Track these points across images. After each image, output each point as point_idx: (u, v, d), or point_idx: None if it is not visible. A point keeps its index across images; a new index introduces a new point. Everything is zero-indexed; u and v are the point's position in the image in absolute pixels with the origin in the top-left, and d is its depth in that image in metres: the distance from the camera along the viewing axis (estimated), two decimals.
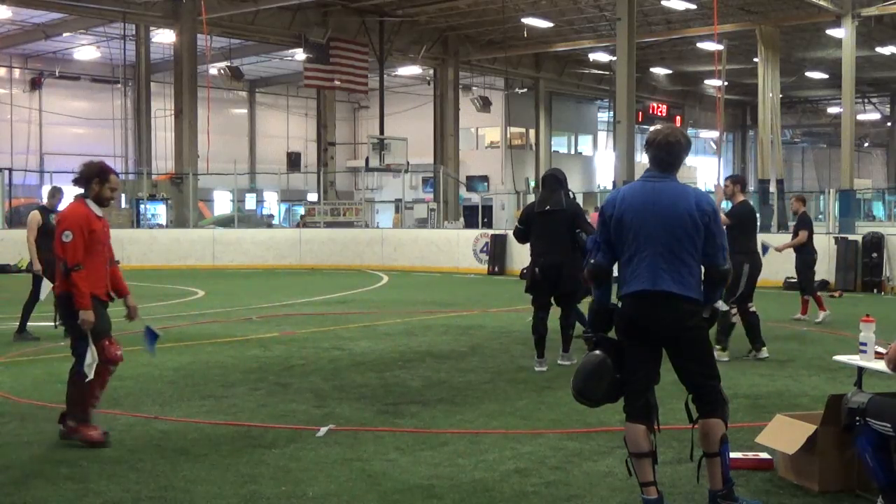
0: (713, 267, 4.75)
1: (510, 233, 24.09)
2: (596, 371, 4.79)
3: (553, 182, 9.24)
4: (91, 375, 6.22)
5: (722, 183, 10.59)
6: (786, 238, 14.96)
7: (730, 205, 10.21)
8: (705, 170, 52.18)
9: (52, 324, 12.06)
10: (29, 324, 11.21)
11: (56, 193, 11.68)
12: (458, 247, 23.96)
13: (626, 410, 4.77)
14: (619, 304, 4.79)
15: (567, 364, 9.22)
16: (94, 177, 6.46)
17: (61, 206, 11.42)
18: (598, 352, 4.83)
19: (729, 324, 9.64)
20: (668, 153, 4.76)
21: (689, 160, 53.22)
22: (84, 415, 6.22)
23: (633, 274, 4.67)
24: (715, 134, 51.06)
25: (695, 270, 4.69)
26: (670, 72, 42.57)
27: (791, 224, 16.65)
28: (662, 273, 4.61)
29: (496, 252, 23.09)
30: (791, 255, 19.21)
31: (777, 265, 19.04)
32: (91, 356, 6.25)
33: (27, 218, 11.57)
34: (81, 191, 6.56)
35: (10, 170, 28.39)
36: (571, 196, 9.34)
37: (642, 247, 4.65)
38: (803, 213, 13.55)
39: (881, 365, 5.05)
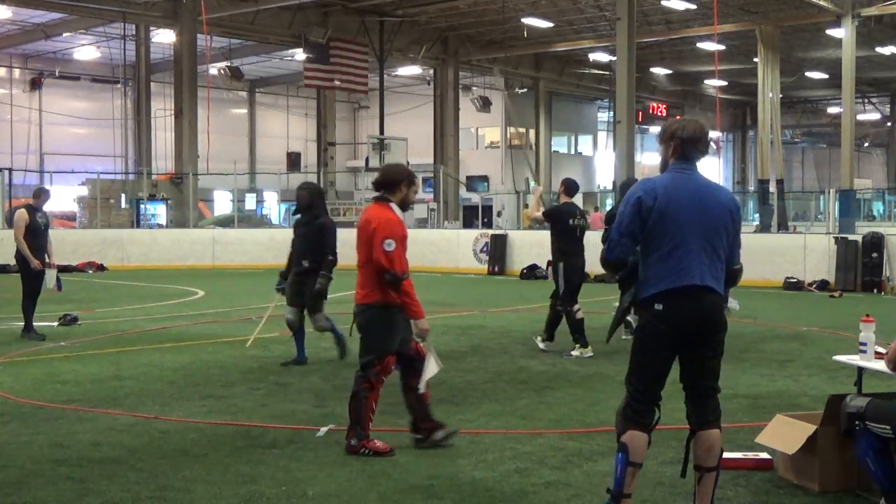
0: (732, 265, 4.66)
1: (510, 233, 24.14)
2: None
3: (627, 189, 9.98)
4: (425, 389, 6.06)
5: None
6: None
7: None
8: (705, 169, 52.10)
9: (53, 323, 12.08)
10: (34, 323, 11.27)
11: (41, 194, 11.71)
12: (458, 247, 23.96)
13: (635, 418, 4.51)
14: (656, 306, 4.45)
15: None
16: (404, 179, 6.14)
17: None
18: None
19: (577, 321, 10.14)
20: (701, 144, 4.61)
21: None
22: (365, 431, 6.01)
23: (676, 268, 4.44)
24: (715, 134, 51.06)
25: (723, 267, 4.58)
26: (670, 72, 42.57)
27: (791, 224, 16.91)
28: (705, 268, 4.46)
29: (496, 252, 23.08)
30: (790, 254, 19.30)
31: (777, 265, 19.07)
32: (433, 367, 6.04)
33: (14, 217, 11.64)
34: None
35: (10, 170, 28.41)
36: None
37: (687, 241, 4.45)
38: None
39: (881, 365, 5.05)
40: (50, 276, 11.28)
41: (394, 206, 6.12)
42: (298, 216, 9.54)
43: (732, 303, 4.73)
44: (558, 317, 10.31)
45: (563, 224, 10.16)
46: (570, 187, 10.32)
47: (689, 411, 4.60)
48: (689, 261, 4.44)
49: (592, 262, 8.65)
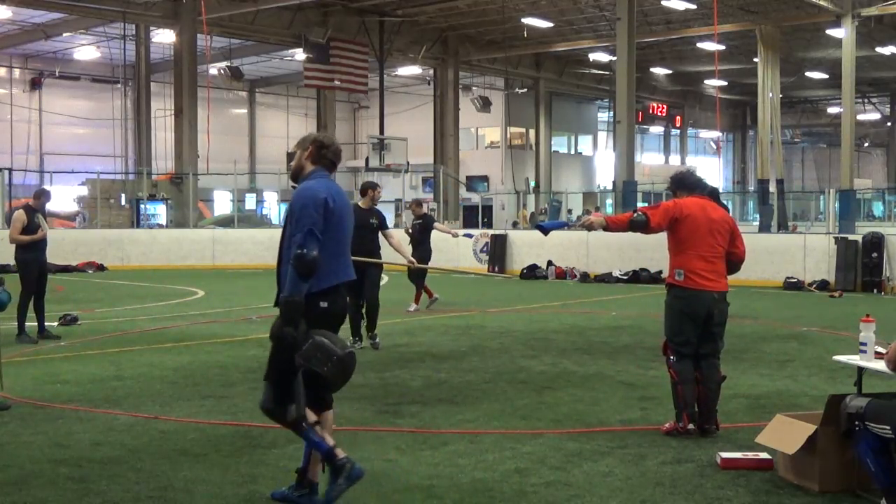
0: None
1: (510, 233, 24.14)
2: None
3: (715, 196, 12.17)
4: None
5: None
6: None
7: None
8: (705, 170, 52.12)
9: (53, 323, 12.07)
10: (29, 324, 11.18)
11: (42, 195, 11.65)
12: (458, 247, 23.90)
13: (319, 403, 5.00)
14: (322, 303, 4.83)
15: None
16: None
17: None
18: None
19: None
20: (340, 160, 5.21)
21: (690, 160, 53.37)
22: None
23: (344, 266, 5.02)
24: (715, 134, 51.04)
25: None
26: (670, 72, 42.58)
27: (791, 224, 16.96)
28: (351, 263, 5.13)
29: (496, 252, 23.08)
30: (790, 254, 19.31)
31: (777, 265, 19.07)
32: None
33: (12, 217, 11.58)
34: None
35: (10, 170, 28.38)
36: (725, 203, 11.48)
37: (347, 241, 5.07)
38: (424, 214, 15.62)
39: (881, 365, 5.06)
40: None
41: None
42: None
43: None
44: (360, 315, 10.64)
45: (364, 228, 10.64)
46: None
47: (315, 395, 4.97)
48: (349, 258, 5.10)
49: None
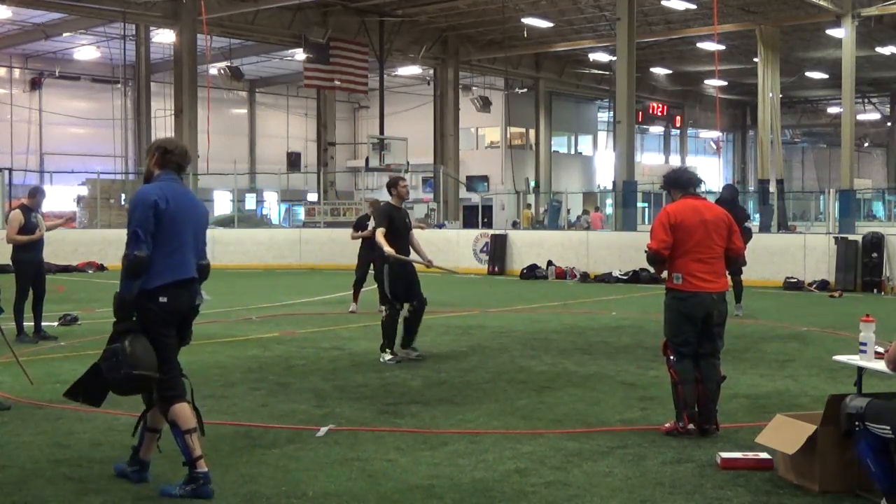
0: (200, 260, 5.42)
1: (510, 233, 24.15)
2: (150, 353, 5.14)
3: (727, 193, 13.25)
4: None
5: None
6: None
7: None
8: (705, 170, 52.16)
9: (53, 323, 12.06)
10: (27, 324, 11.16)
11: (37, 193, 11.54)
12: (458, 247, 23.94)
13: (171, 394, 5.18)
14: (161, 298, 5.10)
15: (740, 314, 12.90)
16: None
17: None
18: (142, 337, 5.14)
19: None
20: (185, 159, 5.40)
21: (690, 160, 53.39)
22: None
23: (180, 263, 5.20)
24: (715, 134, 51.05)
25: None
26: (670, 72, 42.58)
27: (791, 224, 16.96)
28: (193, 263, 5.32)
29: (496, 252, 23.08)
30: (790, 254, 19.30)
31: (777, 265, 19.07)
32: None
33: (9, 217, 11.48)
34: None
35: (10, 170, 28.36)
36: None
37: (185, 240, 5.23)
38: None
39: (881, 365, 5.05)
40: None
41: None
42: None
43: (206, 295, 5.42)
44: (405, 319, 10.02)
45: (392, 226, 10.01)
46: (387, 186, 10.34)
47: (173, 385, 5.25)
48: (189, 257, 5.28)
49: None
